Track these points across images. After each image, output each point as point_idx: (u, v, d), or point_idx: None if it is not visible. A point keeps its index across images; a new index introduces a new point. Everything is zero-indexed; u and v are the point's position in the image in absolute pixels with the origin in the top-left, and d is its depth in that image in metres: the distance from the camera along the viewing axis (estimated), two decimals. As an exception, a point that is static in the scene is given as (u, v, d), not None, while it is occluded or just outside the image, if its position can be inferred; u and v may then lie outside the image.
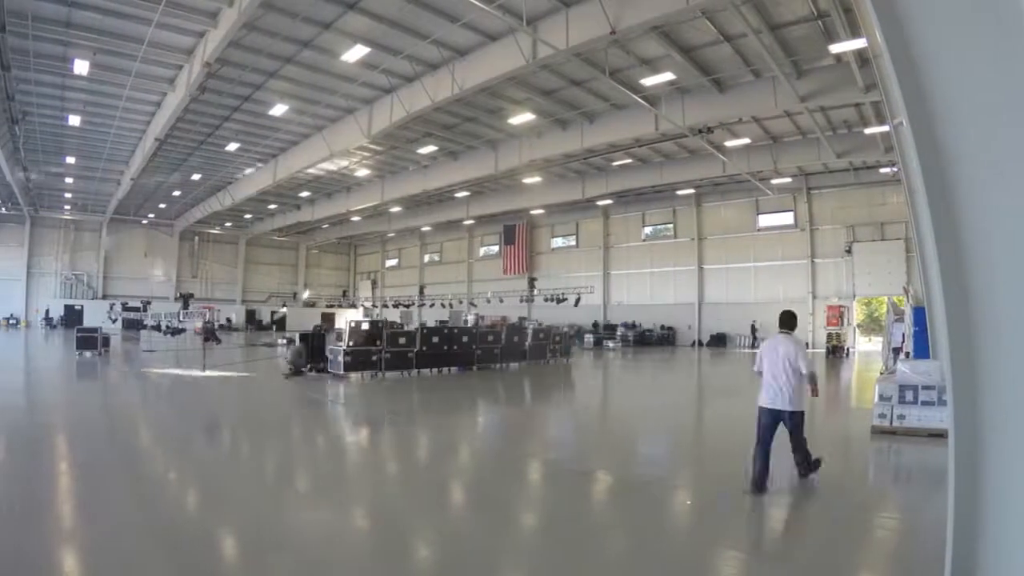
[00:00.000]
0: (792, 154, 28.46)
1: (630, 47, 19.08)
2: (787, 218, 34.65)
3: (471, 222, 46.69)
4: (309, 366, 17.75)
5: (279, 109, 25.18)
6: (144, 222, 52.77)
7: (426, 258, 56.07)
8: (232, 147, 31.40)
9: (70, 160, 34.82)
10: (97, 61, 20.88)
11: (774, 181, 31.84)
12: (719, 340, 35.75)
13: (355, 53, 19.27)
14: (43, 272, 49.84)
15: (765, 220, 35.42)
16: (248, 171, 36.60)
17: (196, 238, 56.75)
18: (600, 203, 38.33)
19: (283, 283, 62.68)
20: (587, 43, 16.83)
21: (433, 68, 20.60)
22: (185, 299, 48.43)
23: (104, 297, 51.45)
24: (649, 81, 20.43)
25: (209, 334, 17.23)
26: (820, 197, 33.46)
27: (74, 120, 27.39)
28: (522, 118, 24.72)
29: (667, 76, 20.32)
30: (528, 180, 34.10)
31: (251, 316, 57.43)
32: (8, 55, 19.42)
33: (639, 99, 21.07)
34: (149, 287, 54.25)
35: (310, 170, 33.25)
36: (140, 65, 21.37)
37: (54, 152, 33.32)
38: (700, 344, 36.36)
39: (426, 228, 51.40)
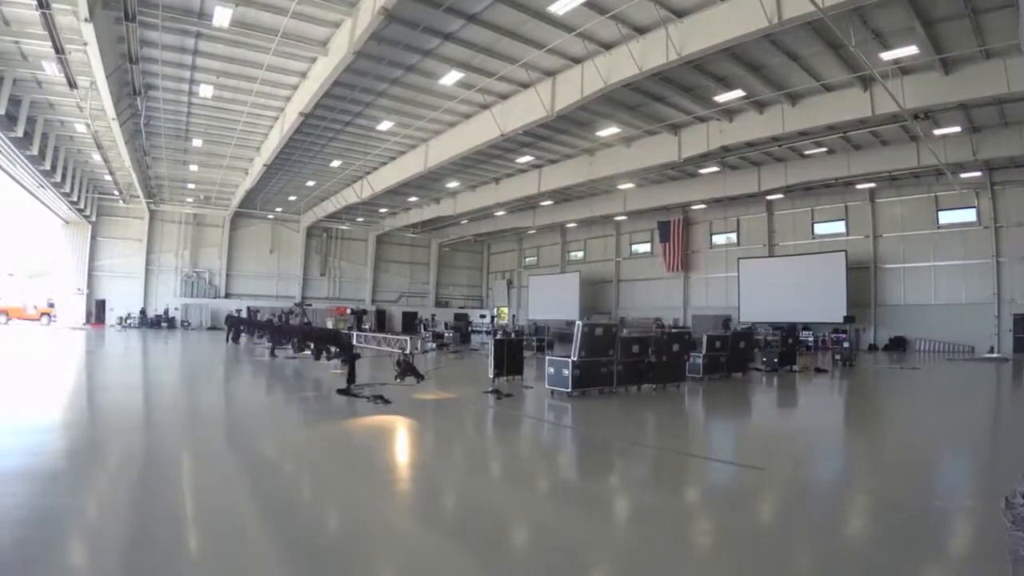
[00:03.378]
0: (992, 143, 27.05)
1: (871, 17, 18.28)
2: (970, 215, 32.94)
3: (623, 218, 46.68)
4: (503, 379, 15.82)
5: (451, 77, 23.08)
6: (270, 216, 52.20)
7: (570, 255, 55.81)
8: (384, 126, 29.36)
9: (196, 143, 32.80)
10: (239, 15, 18.64)
11: (962, 175, 30.45)
12: (898, 343, 34.35)
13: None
14: (162, 269, 49.94)
15: (946, 217, 33.85)
16: (396, 158, 35.33)
17: (324, 234, 56.89)
18: (770, 197, 37.52)
19: (414, 282, 62.84)
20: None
21: (641, 32, 19.47)
22: (302, 308, 47.37)
23: (227, 296, 51.58)
24: (889, 55, 19.49)
25: (407, 369, 14.47)
26: (1004, 193, 31.67)
27: (206, 91, 25.12)
28: (730, 95, 23.82)
29: (910, 50, 19.29)
30: (705, 170, 33.65)
31: (380, 317, 56.89)
32: (134, 1, 16.26)
33: (875, 75, 19.38)
34: (274, 285, 54.64)
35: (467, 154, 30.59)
36: (290, 21, 19.08)
37: (177, 135, 31.50)
38: (875, 348, 35.03)
39: (571, 224, 50.92)
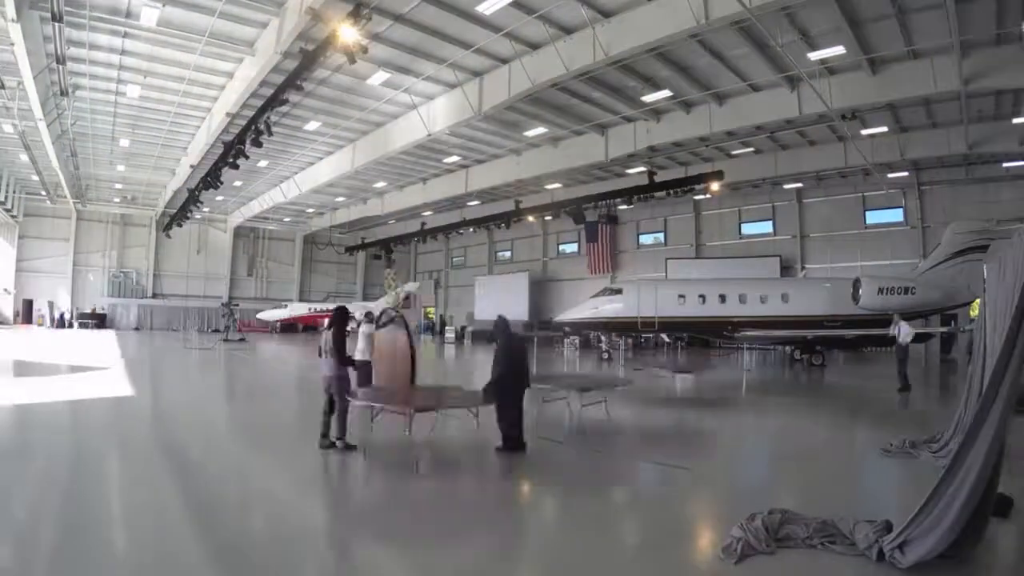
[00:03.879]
0: (920, 144, 27.31)
1: (798, 18, 17.93)
2: (897, 215, 33.15)
3: (549, 218, 45.65)
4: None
5: (378, 77, 23.08)
6: (198, 217, 50.13)
7: (497, 256, 54.74)
8: (312, 126, 29.08)
9: (124, 143, 32.48)
10: (166, 15, 18.48)
11: (890, 175, 30.63)
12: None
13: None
14: (90, 268, 49.21)
15: (873, 217, 33.94)
16: (323, 158, 34.97)
17: (252, 235, 56.23)
18: (697, 197, 36.93)
19: (342, 282, 62.06)
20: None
21: (568, 32, 19.15)
22: (229, 308, 45.58)
23: (154, 295, 51.01)
24: (816, 55, 19.17)
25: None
26: (931, 193, 31.94)
27: (133, 91, 24.91)
28: (657, 95, 23.32)
29: (838, 50, 18.95)
30: (633, 170, 32.87)
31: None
32: (61, 1, 15.96)
33: (802, 75, 18.89)
34: (201, 285, 53.90)
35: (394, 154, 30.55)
36: (218, 21, 18.96)
37: (105, 135, 31.08)
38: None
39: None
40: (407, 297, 52.41)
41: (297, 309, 51.36)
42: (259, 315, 50.81)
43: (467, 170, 36.14)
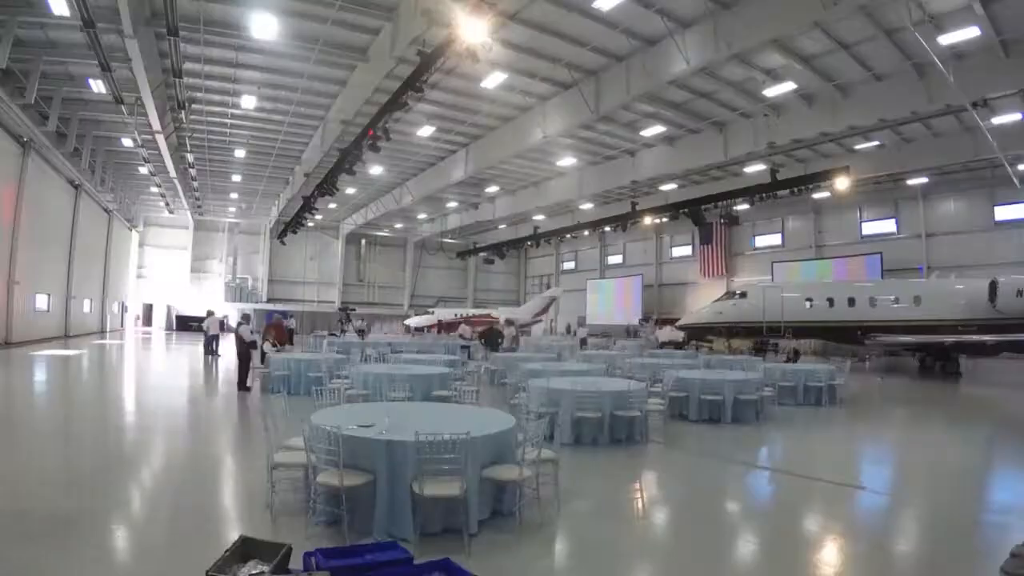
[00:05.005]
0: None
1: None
2: (1029, 210, 31.24)
3: (665, 219, 45.62)
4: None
5: (493, 80, 22.86)
6: (310, 224, 51.76)
7: (608, 260, 55.22)
8: (425, 131, 29.15)
9: (239, 154, 33.57)
10: (279, 26, 18.91)
11: (1021, 167, 29.21)
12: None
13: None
14: (208, 275, 51.96)
15: (1002, 213, 32.26)
16: (436, 163, 35.50)
17: (363, 240, 58.11)
18: (816, 196, 36.23)
19: (451, 287, 63.34)
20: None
21: (686, 26, 19.13)
22: (346, 313, 47.44)
23: (268, 301, 52.62)
24: (947, 39, 18.39)
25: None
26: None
27: (247, 103, 25.58)
28: (778, 88, 23.09)
29: (971, 32, 18.14)
30: (750, 169, 32.76)
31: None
32: (176, 16, 16.17)
33: (934, 57, 18.14)
34: (315, 291, 55.94)
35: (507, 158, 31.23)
36: (331, 28, 19.47)
37: (221, 147, 32.42)
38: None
39: (608, 227, 49.93)
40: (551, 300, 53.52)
41: (443, 315, 51.57)
42: (406, 321, 51.40)
43: (580, 172, 36.37)
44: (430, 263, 62.24)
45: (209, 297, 49.81)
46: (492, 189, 41.64)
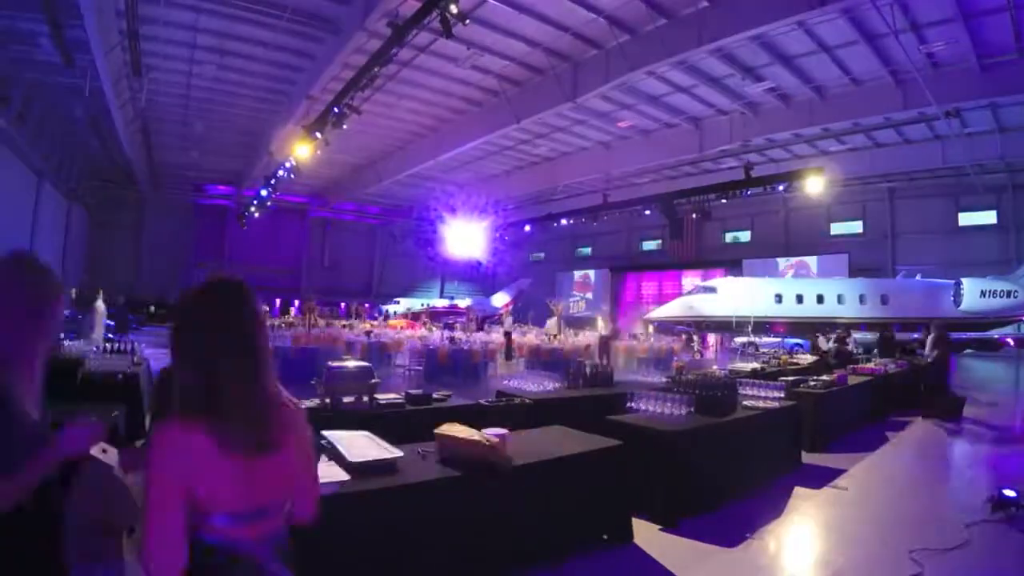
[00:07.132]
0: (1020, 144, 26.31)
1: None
2: (990, 217, 32.26)
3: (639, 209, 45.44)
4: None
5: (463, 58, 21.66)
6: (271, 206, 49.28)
7: (576, 252, 54.86)
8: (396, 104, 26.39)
9: (197, 128, 30.05)
10: None
11: (985, 176, 29.82)
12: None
13: None
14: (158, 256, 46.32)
15: (966, 219, 33.07)
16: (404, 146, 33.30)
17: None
18: (787, 195, 36.23)
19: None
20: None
21: (668, 17, 18.74)
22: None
23: None
24: (927, 48, 19.07)
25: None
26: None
27: (207, 71, 23.32)
28: (758, 86, 23.09)
29: (950, 44, 18.78)
30: (724, 166, 32.55)
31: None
32: None
33: (912, 66, 18.74)
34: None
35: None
36: None
37: (178, 120, 29.52)
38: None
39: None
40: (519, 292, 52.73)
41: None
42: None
43: (552, 162, 35.84)
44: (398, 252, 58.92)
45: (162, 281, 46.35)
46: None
